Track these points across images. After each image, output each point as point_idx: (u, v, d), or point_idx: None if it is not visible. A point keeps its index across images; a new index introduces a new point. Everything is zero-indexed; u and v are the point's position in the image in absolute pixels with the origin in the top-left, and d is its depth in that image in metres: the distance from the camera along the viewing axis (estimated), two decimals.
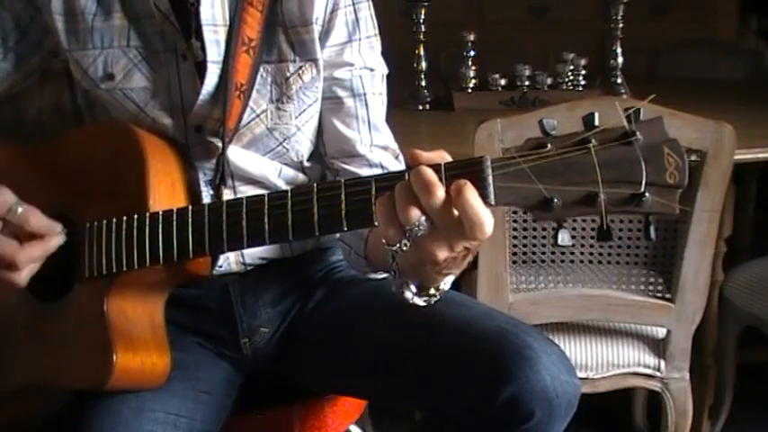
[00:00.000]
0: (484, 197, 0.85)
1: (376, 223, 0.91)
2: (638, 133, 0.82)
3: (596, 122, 0.83)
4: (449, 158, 0.89)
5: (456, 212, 0.85)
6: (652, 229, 0.84)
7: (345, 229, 0.94)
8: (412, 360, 1.21)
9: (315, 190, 0.95)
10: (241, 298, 1.32)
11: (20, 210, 1.10)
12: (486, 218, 0.84)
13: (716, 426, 2.18)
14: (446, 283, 0.96)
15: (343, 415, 1.45)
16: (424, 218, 0.86)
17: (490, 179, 0.85)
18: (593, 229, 1.71)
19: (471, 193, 0.84)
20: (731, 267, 2.07)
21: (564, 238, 0.86)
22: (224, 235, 1.02)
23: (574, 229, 1.71)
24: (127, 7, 1.22)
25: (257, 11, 1.21)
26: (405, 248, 0.88)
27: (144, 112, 1.23)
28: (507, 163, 0.85)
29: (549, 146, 0.83)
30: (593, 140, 0.82)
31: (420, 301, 0.96)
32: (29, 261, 1.11)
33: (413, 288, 0.96)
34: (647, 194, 0.82)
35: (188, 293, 1.28)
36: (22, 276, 1.11)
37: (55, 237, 1.12)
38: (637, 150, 0.82)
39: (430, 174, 0.85)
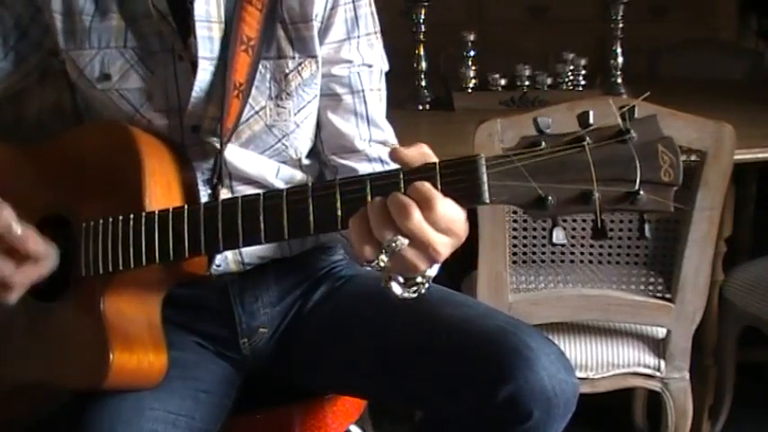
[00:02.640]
0: (478, 195, 0.85)
1: None
2: (632, 131, 0.82)
3: (591, 120, 0.83)
4: (428, 152, 0.91)
5: (431, 226, 0.88)
6: (647, 227, 0.84)
7: (340, 227, 0.94)
8: (411, 360, 1.20)
9: (310, 189, 0.95)
10: (240, 298, 1.32)
11: (19, 230, 1.08)
12: (457, 214, 0.88)
13: (716, 426, 2.18)
14: (432, 269, 0.96)
15: (343, 415, 1.45)
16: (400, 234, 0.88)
17: (485, 177, 0.86)
18: (592, 229, 1.71)
19: (436, 201, 0.88)
20: (731, 267, 2.07)
21: (559, 235, 0.86)
22: (219, 234, 1.02)
23: (573, 229, 1.71)
24: (124, 8, 1.22)
25: (257, 9, 1.21)
26: (383, 264, 0.90)
27: (139, 114, 1.22)
28: (502, 161, 0.85)
29: (543, 144, 0.84)
30: (588, 138, 0.82)
31: (409, 294, 0.96)
32: (24, 283, 1.10)
33: (400, 279, 0.96)
34: (641, 192, 0.82)
35: (187, 293, 1.28)
36: (13, 297, 1.10)
37: (50, 262, 1.12)
38: (631, 148, 0.82)
39: (403, 198, 0.88)
